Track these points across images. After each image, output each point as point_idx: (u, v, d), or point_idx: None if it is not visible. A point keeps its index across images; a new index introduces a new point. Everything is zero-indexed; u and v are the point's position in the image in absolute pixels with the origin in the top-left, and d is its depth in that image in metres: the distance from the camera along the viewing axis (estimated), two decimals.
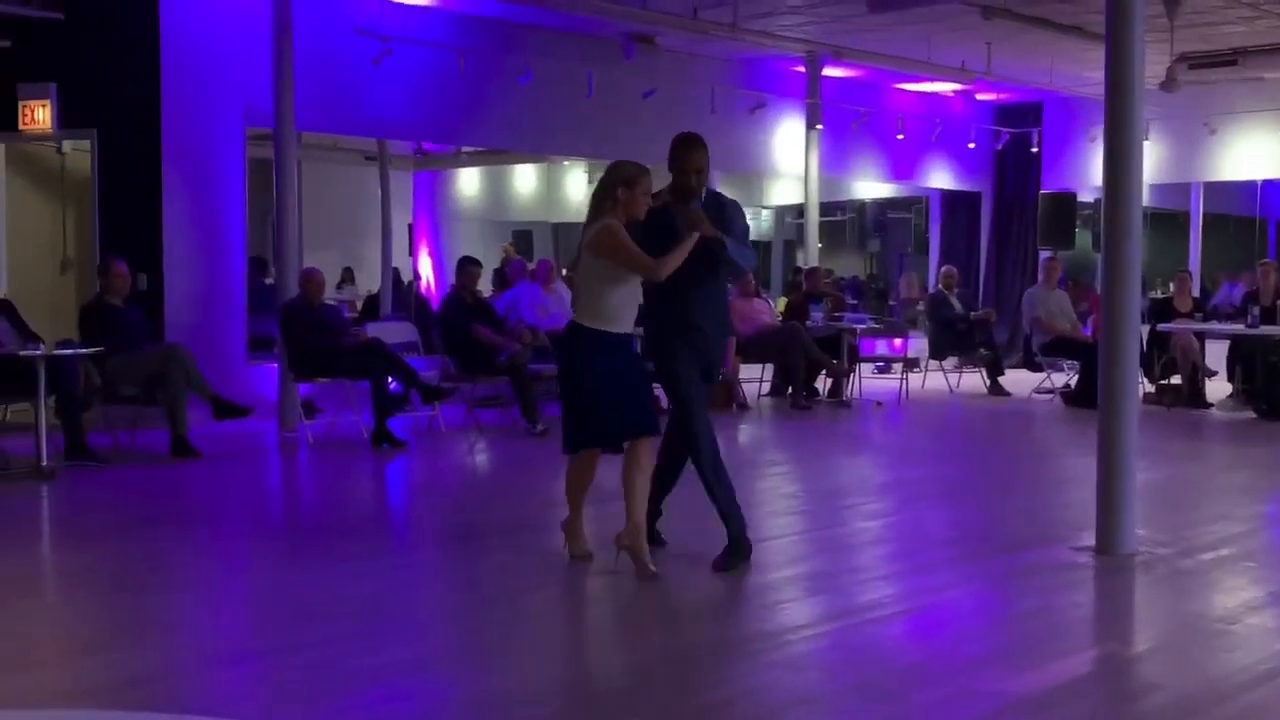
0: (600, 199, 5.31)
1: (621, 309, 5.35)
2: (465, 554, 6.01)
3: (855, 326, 12.72)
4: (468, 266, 10.34)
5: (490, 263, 14.96)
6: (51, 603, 5.35)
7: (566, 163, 17.86)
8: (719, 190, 5.93)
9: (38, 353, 7.75)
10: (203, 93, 10.38)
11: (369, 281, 15.48)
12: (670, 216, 5.44)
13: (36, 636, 4.74)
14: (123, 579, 5.51)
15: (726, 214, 5.53)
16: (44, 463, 7.63)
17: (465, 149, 15.54)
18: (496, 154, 16.18)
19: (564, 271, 11.92)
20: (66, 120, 10.23)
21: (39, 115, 10.23)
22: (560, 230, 19.33)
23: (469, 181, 17.85)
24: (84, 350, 8.24)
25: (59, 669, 4.33)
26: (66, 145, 10.86)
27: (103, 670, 4.23)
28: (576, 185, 18.99)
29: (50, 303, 10.41)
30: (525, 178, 18.59)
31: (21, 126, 10.31)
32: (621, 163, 5.41)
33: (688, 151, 5.52)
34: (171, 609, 5.10)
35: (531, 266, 13.33)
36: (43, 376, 7.69)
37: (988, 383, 13.52)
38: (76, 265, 10.94)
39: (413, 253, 16.08)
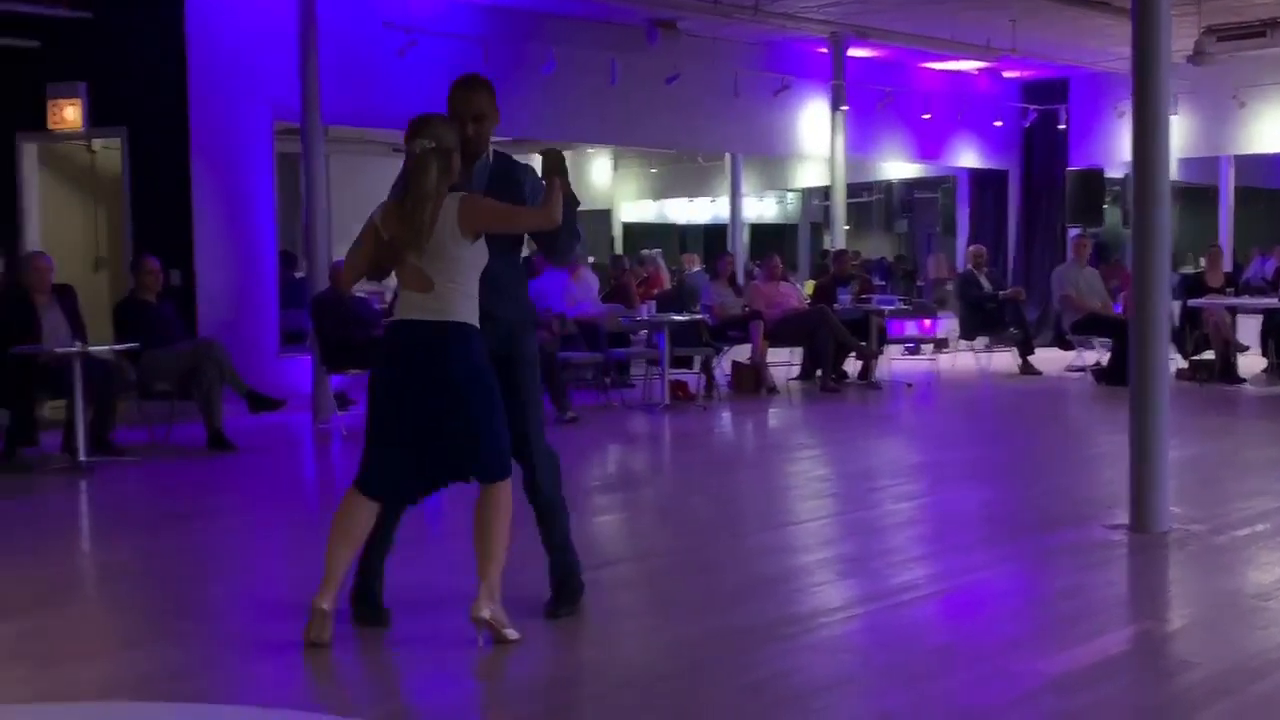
0: (439, 168, 4.20)
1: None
2: None
3: (884, 308, 12.71)
4: None
5: None
6: (89, 596, 5.43)
7: (591, 150, 17.86)
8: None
9: (74, 349, 7.83)
10: (230, 89, 10.45)
11: None
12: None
13: (73, 631, 4.81)
14: (160, 572, 5.58)
15: (516, 179, 4.61)
16: (80, 458, 7.73)
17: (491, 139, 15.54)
18: (521, 143, 16.18)
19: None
20: (96, 118, 10.34)
21: (68, 114, 10.34)
22: (586, 218, 19.34)
23: None
24: (119, 347, 8.34)
25: (97, 663, 4.38)
26: (97, 143, 10.97)
27: (140, 664, 4.28)
28: (601, 173, 18.96)
29: (84, 300, 10.49)
30: None
31: (51, 125, 10.42)
32: (443, 121, 4.33)
33: (465, 94, 4.48)
34: (210, 601, 5.15)
35: None
36: (79, 374, 7.77)
37: (1018, 362, 13.48)
38: (109, 263, 11.05)
39: None
